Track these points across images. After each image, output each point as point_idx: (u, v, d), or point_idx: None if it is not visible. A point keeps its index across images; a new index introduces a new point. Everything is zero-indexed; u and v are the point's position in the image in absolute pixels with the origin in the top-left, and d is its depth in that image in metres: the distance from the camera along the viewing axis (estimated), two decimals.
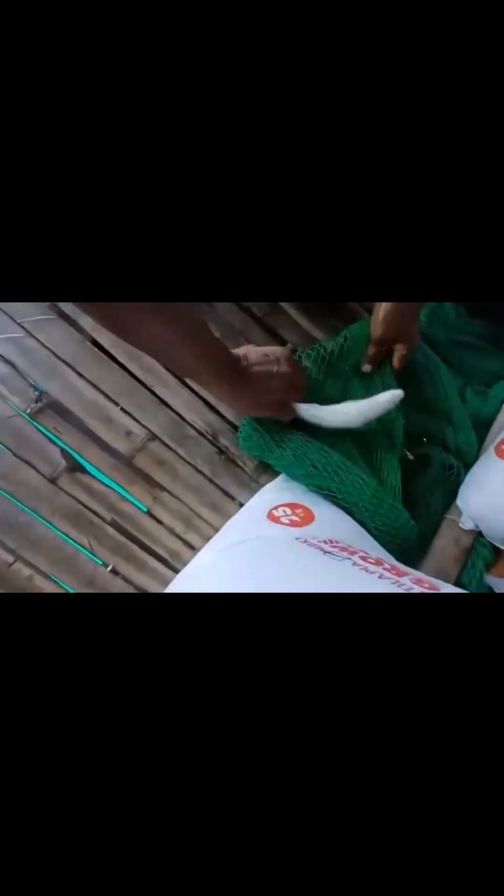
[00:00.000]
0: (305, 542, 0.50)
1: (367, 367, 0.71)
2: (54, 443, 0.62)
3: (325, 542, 0.51)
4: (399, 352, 0.69)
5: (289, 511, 0.58)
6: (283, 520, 0.56)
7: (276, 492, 0.64)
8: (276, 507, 0.59)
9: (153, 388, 0.67)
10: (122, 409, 0.65)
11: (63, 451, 0.62)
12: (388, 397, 0.63)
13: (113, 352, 0.66)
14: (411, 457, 0.79)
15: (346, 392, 0.71)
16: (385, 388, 0.72)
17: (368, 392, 0.74)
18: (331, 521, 0.57)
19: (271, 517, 0.57)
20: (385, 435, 0.73)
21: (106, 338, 0.66)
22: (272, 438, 0.63)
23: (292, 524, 0.55)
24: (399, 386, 0.73)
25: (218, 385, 0.55)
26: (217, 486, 0.68)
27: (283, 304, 0.77)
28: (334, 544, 0.50)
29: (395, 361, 0.70)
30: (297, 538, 0.51)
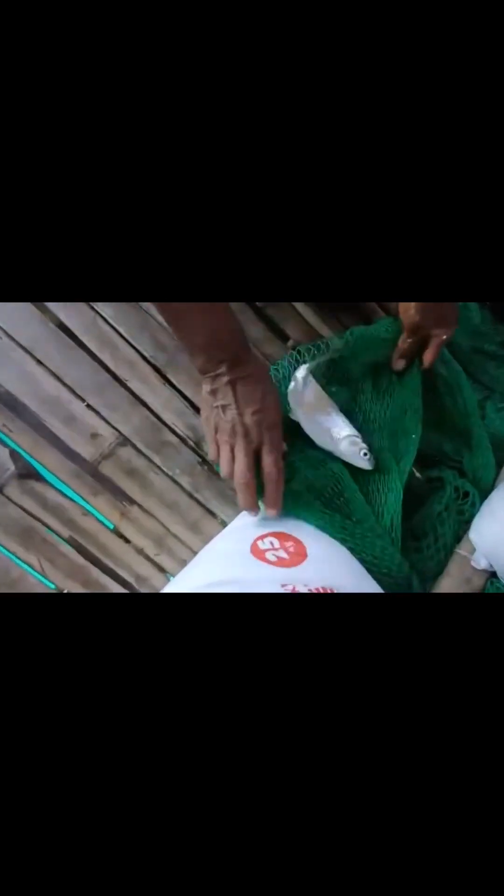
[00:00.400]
0: (293, 590, 0.41)
1: (399, 364, 0.62)
2: (3, 443, 0.53)
3: (318, 590, 0.42)
4: (437, 339, 0.59)
5: (277, 543, 0.49)
6: (270, 556, 0.47)
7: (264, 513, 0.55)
8: (262, 537, 0.50)
9: (128, 383, 0.57)
10: (88, 405, 0.56)
11: (13, 452, 0.53)
12: (362, 462, 0.56)
13: (83, 338, 0.56)
14: (419, 475, 0.70)
15: (355, 402, 0.62)
16: (410, 392, 0.62)
17: (382, 401, 0.65)
18: (325, 559, 0.48)
19: (255, 551, 0.47)
20: (392, 451, 0.63)
21: (76, 320, 0.56)
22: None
23: (279, 563, 0.46)
24: (422, 391, 0.64)
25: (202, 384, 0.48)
26: (197, 501, 0.59)
27: None
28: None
29: (429, 352, 0.60)
30: (283, 585, 0.42)
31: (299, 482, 0.54)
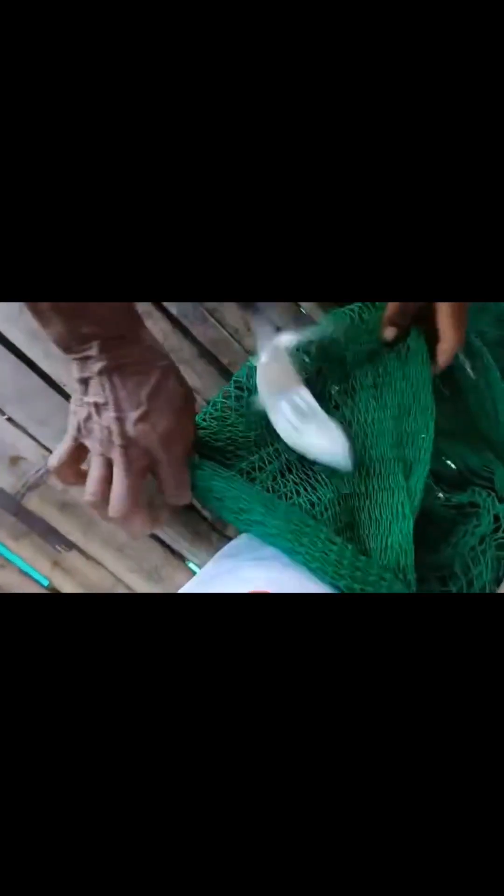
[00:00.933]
0: None
1: (390, 332, 0.48)
2: None
3: None
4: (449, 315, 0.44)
5: None
6: None
7: (242, 561, 0.42)
8: None
9: (66, 388, 0.44)
10: (8, 419, 0.42)
11: None
12: (338, 455, 0.43)
13: (4, 329, 0.43)
14: (442, 496, 0.56)
15: (352, 400, 0.50)
16: (416, 382, 0.49)
17: (381, 398, 0.52)
18: None
19: None
20: (398, 462, 0.50)
21: None
22: (218, 473, 0.41)
23: None
24: (432, 383, 0.49)
25: None
26: (159, 540, 0.45)
27: None
28: None
29: (445, 347, 0.45)
30: None
31: (280, 512, 0.41)
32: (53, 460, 0.36)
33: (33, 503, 0.42)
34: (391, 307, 0.47)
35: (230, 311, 0.50)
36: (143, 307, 0.48)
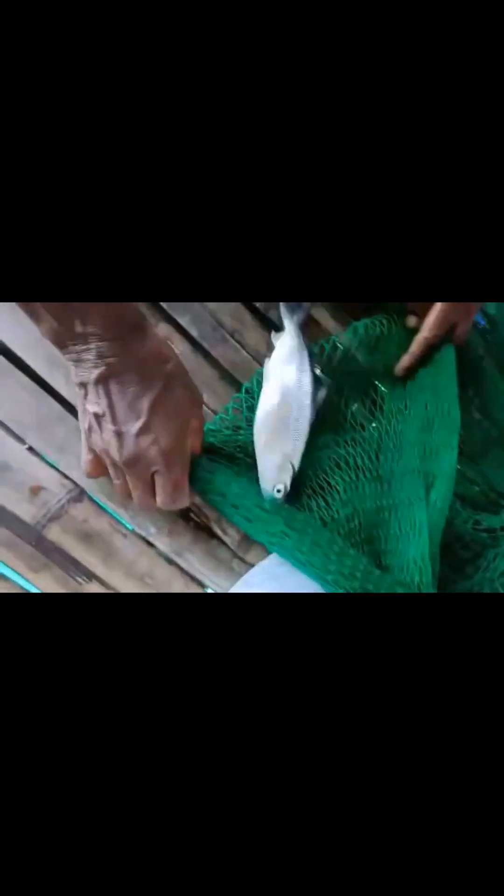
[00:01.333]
0: None
1: (401, 369, 0.50)
2: None
3: None
4: (464, 323, 0.48)
5: None
6: None
7: (267, 590, 0.40)
8: None
9: None
10: (29, 448, 0.41)
11: None
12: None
13: (24, 355, 0.42)
14: (467, 516, 0.54)
15: (372, 415, 0.49)
16: (443, 394, 0.49)
17: (405, 411, 0.51)
18: None
19: None
20: (420, 475, 0.48)
21: (15, 333, 0.42)
22: (235, 479, 0.41)
23: None
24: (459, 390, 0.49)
25: None
26: (179, 567, 0.44)
27: None
28: None
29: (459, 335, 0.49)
30: None
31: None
32: (83, 468, 0.38)
33: (54, 533, 0.41)
34: (422, 342, 0.48)
35: (251, 333, 0.49)
36: (162, 331, 0.47)
